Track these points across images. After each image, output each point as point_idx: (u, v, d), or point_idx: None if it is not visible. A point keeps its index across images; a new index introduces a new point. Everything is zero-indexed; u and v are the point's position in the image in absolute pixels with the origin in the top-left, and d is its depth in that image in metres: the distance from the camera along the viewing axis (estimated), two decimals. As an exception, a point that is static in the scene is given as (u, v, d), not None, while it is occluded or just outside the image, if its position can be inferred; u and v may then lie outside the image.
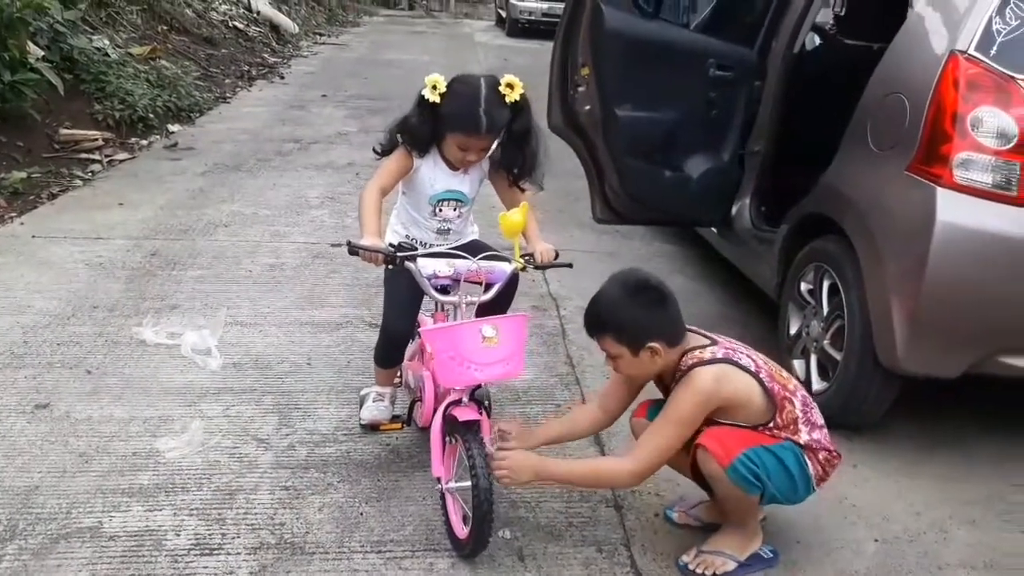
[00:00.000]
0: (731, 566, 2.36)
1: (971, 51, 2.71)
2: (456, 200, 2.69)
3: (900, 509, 2.73)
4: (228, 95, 9.33)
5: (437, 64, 11.83)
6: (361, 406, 2.95)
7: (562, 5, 4.15)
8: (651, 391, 2.47)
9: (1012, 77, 2.66)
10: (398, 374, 2.97)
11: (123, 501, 2.51)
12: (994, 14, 2.70)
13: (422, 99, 2.50)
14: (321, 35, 15.69)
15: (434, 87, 2.48)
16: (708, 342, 2.30)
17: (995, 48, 2.69)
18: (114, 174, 6.12)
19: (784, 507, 2.60)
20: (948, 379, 2.84)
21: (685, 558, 2.39)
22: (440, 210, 2.69)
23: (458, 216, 2.73)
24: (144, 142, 7.01)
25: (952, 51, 2.73)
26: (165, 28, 9.96)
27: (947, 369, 2.82)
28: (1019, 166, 2.64)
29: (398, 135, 2.61)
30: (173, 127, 7.52)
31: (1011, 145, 2.64)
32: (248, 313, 3.86)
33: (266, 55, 12.08)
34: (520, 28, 17.52)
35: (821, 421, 2.35)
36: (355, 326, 3.78)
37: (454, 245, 2.69)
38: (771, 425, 2.26)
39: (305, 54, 13.17)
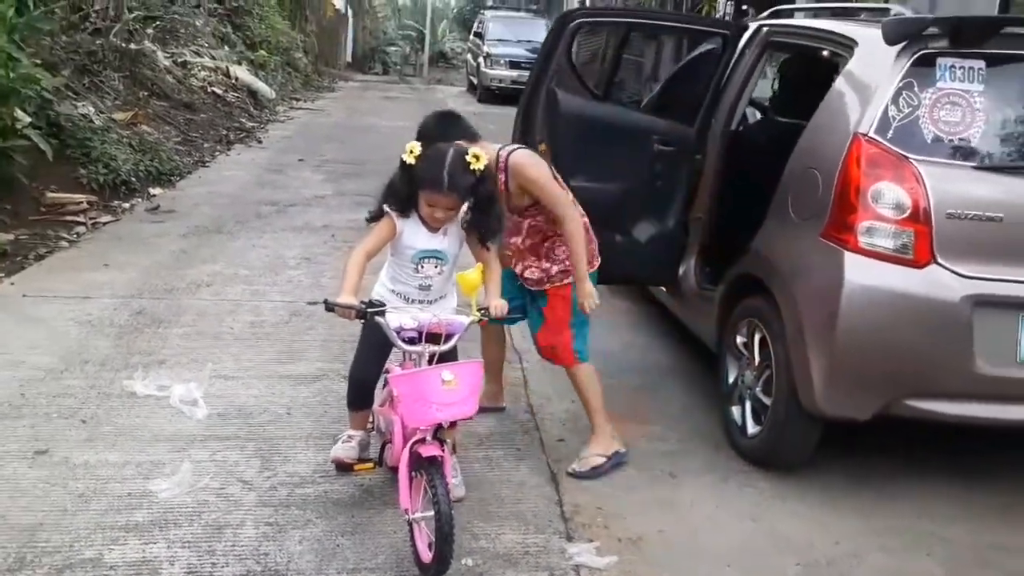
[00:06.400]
0: (600, 461, 3.34)
1: (871, 134, 3.13)
2: (436, 259, 3.04)
3: (822, 538, 3.06)
4: (207, 159, 9.63)
5: (410, 129, 12.17)
6: (334, 448, 3.26)
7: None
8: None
9: (905, 156, 3.09)
10: (370, 419, 3.27)
11: (121, 535, 2.77)
12: (889, 102, 3.14)
13: (403, 162, 2.92)
14: (297, 100, 16.07)
15: (411, 151, 2.89)
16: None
17: (891, 131, 3.13)
18: (99, 236, 6.38)
19: (716, 540, 2.93)
20: (862, 420, 3.19)
21: (573, 466, 3.33)
22: (422, 267, 3.04)
23: (439, 273, 3.07)
24: (126, 205, 7.24)
25: (855, 133, 3.16)
26: (146, 94, 10.28)
27: (860, 411, 3.18)
28: (913, 233, 3.05)
29: (384, 202, 2.99)
30: (155, 190, 7.75)
31: (906, 215, 3.06)
32: (231, 367, 4.14)
33: (244, 119, 12.41)
34: (491, 94, 18.13)
35: None
36: (331, 379, 4.06)
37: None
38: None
39: (282, 119, 13.53)
